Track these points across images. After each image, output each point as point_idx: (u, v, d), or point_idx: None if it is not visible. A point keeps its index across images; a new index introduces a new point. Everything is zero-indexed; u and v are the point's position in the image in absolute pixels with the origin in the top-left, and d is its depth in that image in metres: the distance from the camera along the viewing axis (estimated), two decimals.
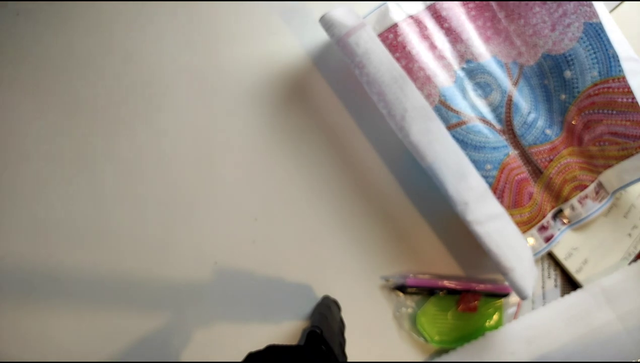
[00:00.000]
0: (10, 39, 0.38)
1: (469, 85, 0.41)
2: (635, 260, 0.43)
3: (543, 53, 0.41)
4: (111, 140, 0.39)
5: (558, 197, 0.42)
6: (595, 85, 0.40)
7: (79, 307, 0.37)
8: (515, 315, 0.42)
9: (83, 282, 0.37)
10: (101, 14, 0.40)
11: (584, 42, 0.40)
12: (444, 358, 0.40)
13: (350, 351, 0.33)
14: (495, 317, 0.41)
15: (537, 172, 0.42)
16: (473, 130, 0.40)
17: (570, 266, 0.43)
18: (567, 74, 0.40)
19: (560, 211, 0.42)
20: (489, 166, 0.39)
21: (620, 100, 0.39)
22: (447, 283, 0.41)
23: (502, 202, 0.39)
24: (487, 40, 0.42)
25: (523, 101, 0.41)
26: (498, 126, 0.41)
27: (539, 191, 0.41)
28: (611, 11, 0.45)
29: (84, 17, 0.39)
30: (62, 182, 0.38)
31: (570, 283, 0.44)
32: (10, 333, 0.36)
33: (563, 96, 0.41)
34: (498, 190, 0.39)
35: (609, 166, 0.41)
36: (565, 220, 0.42)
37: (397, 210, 0.42)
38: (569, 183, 0.42)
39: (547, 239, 0.41)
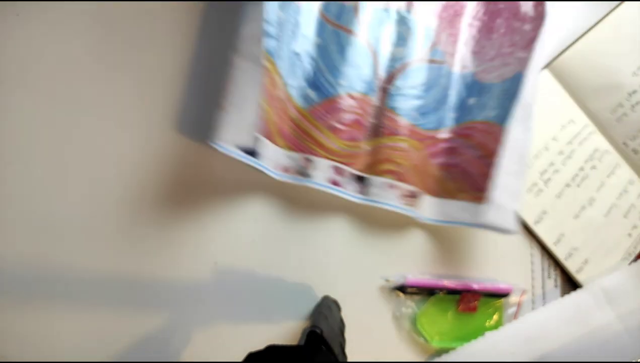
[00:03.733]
0: (10, 39, 0.38)
1: (392, 28, 0.39)
2: (635, 260, 0.43)
3: (471, 71, 0.41)
4: (110, 139, 0.39)
5: (371, 166, 0.40)
6: (485, 123, 0.40)
7: (79, 307, 0.37)
8: (515, 315, 0.42)
9: (83, 282, 0.37)
10: (101, 14, 0.40)
11: (506, 85, 0.39)
12: (444, 358, 0.40)
13: (350, 351, 0.33)
14: (495, 317, 0.41)
15: (376, 131, 0.40)
16: (354, 45, 0.38)
17: (570, 266, 0.43)
18: (472, 100, 0.41)
19: (362, 179, 0.40)
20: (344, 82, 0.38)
21: (492, 146, 0.39)
22: (447, 283, 0.41)
23: (323, 117, 0.38)
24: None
25: (420, 78, 0.40)
26: (381, 72, 0.39)
27: (363, 145, 0.39)
28: (611, 11, 0.45)
29: (83, 17, 0.39)
30: (62, 181, 0.38)
31: (570, 283, 0.44)
32: (10, 333, 0.36)
33: (452, 115, 0.41)
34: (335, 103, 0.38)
35: (437, 193, 0.41)
36: (358, 186, 0.40)
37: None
38: (389, 164, 0.39)
39: (333, 183, 0.39)
